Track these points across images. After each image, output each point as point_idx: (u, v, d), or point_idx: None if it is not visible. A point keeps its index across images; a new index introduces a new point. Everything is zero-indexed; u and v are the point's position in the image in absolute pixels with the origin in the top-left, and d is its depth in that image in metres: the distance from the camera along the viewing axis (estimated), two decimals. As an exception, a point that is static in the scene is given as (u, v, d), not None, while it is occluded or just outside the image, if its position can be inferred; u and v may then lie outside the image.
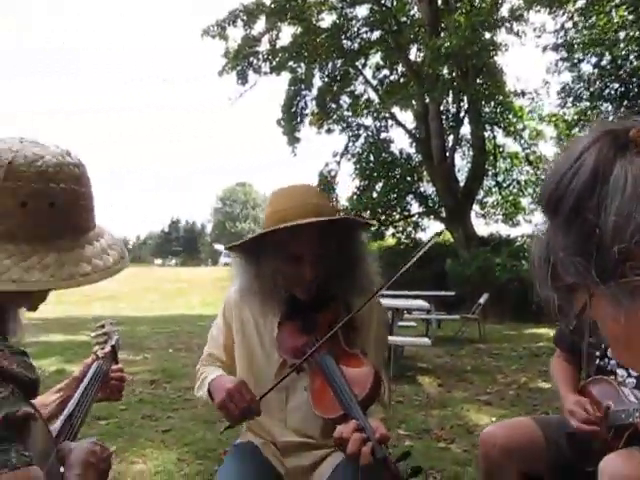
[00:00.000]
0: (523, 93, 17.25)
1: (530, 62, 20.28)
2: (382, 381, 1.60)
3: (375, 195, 18.21)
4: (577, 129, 14.79)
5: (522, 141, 18.36)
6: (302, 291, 1.77)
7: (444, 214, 17.26)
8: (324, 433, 1.71)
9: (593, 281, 0.68)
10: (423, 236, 19.07)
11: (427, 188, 18.80)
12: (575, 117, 15.43)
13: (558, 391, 2.12)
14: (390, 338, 6.45)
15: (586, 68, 14.55)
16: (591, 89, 14.30)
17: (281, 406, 1.81)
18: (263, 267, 1.75)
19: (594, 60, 14.36)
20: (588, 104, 14.62)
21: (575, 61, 14.68)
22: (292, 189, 1.75)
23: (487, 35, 14.19)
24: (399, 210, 18.50)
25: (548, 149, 19.62)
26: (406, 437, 4.35)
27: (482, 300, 10.39)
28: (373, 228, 17.30)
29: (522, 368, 7.30)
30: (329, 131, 18.66)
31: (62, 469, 1.08)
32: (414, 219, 18.90)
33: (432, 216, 18.52)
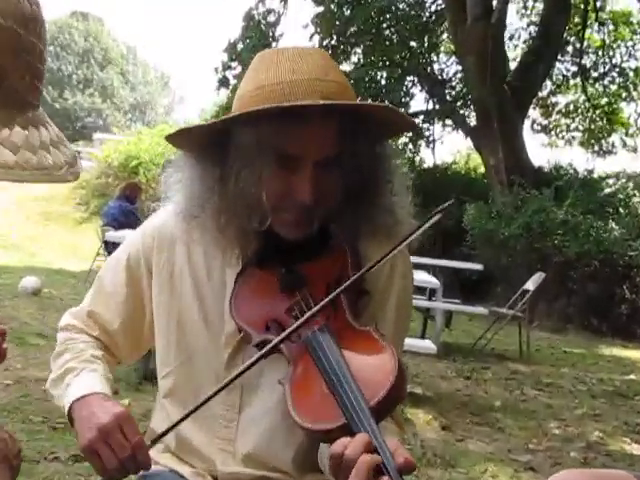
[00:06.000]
0: None
1: None
2: (406, 379, 1.29)
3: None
4: None
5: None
6: (289, 221, 1.42)
7: (472, 118, 14.08)
8: (302, 462, 1.44)
9: None
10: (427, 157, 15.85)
11: (445, 67, 15.59)
12: None
13: None
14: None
15: None
16: None
17: (230, 415, 1.52)
18: (229, 175, 1.41)
19: None
20: None
21: None
22: (293, 54, 1.40)
23: None
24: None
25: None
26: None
27: (530, 285, 8.35)
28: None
29: (595, 415, 5.96)
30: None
31: None
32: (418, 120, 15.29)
33: (446, 122, 15.09)
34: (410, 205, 1.51)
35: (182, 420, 1.42)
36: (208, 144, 1.43)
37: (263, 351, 1.34)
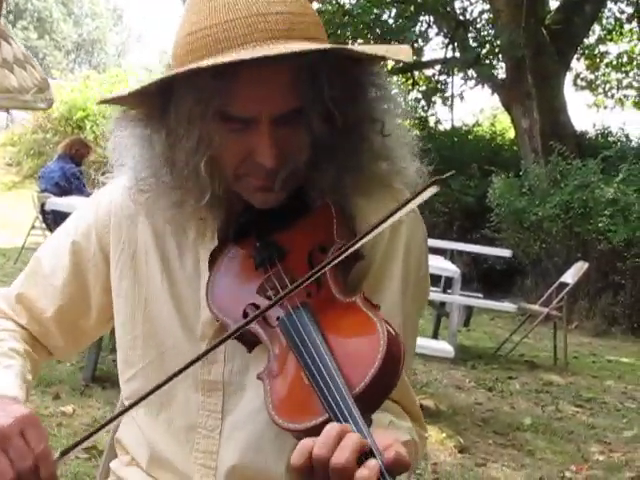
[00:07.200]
0: None
1: None
2: (403, 356, 1.31)
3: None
4: None
5: None
6: (256, 187, 1.48)
7: (500, 69, 14.45)
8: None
9: None
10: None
11: (469, 4, 15.74)
12: None
13: None
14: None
15: None
16: None
17: (212, 422, 1.58)
18: (179, 141, 1.46)
19: None
20: None
21: None
22: None
23: None
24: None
25: None
26: None
27: (569, 278, 8.58)
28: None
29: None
30: None
31: None
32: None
33: (468, 73, 15.19)
34: (413, 145, 1.52)
35: (109, 422, 1.41)
36: (152, 100, 1.44)
37: (225, 336, 1.35)
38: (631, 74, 16.38)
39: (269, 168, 1.40)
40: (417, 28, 15.61)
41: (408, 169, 1.52)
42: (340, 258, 1.33)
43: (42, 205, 9.05)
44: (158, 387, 1.33)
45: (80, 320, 1.68)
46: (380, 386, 1.26)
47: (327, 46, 1.35)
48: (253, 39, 1.32)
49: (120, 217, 1.62)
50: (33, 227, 10.12)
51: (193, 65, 1.31)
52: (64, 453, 1.37)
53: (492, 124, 17.24)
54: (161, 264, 1.60)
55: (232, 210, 1.53)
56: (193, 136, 1.42)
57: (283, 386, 1.36)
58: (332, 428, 1.15)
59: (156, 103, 1.45)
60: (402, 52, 1.49)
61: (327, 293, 1.41)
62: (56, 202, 7.63)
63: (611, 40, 16.21)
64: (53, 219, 8.37)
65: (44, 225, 9.55)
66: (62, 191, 9.18)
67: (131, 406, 1.37)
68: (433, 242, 9.01)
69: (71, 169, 9.85)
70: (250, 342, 1.44)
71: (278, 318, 1.40)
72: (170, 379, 1.32)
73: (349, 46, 1.42)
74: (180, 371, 1.33)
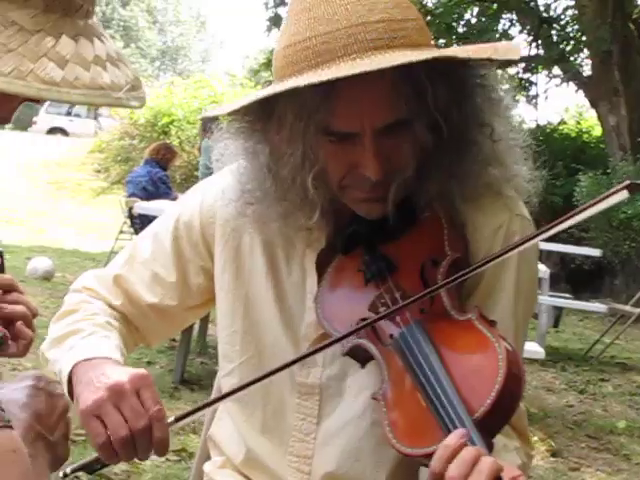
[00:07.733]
0: None
1: None
2: (523, 376, 1.28)
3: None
4: None
5: None
6: (361, 199, 1.45)
7: (586, 66, 14.30)
8: None
9: None
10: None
11: (553, 1, 15.46)
12: None
13: None
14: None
15: None
16: None
17: (307, 426, 1.55)
18: (277, 155, 1.45)
19: None
20: None
21: None
22: None
23: None
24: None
25: None
26: None
27: None
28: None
29: None
30: None
31: None
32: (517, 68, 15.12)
33: (553, 71, 15.12)
34: (526, 150, 1.48)
35: (224, 397, 1.43)
36: (253, 111, 1.44)
37: (326, 343, 1.35)
38: None
39: (374, 180, 1.38)
40: (500, 26, 15.35)
41: (520, 175, 1.48)
42: (457, 277, 1.31)
43: (130, 209, 9.13)
44: (259, 379, 1.33)
45: (176, 306, 1.66)
46: (501, 410, 1.23)
47: (429, 55, 1.31)
48: (353, 50, 1.30)
49: (227, 214, 1.60)
50: (121, 232, 10.24)
51: (292, 81, 1.30)
52: (179, 419, 1.36)
53: (578, 122, 16.95)
54: (265, 261, 1.58)
55: (339, 220, 1.51)
56: (297, 152, 1.41)
57: (399, 408, 1.34)
58: (468, 452, 1.14)
59: (257, 114, 1.44)
60: (511, 51, 1.44)
61: (441, 309, 1.38)
62: (143, 206, 7.69)
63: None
64: (141, 223, 8.45)
65: (132, 229, 9.63)
66: (149, 195, 9.25)
67: (233, 391, 1.38)
68: (519, 242, 8.92)
69: (158, 173, 9.89)
70: (363, 358, 1.43)
71: (392, 336, 1.38)
72: (271, 374, 1.33)
73: (453, 50, 1.41)
74: (281, 368, 1.33)
